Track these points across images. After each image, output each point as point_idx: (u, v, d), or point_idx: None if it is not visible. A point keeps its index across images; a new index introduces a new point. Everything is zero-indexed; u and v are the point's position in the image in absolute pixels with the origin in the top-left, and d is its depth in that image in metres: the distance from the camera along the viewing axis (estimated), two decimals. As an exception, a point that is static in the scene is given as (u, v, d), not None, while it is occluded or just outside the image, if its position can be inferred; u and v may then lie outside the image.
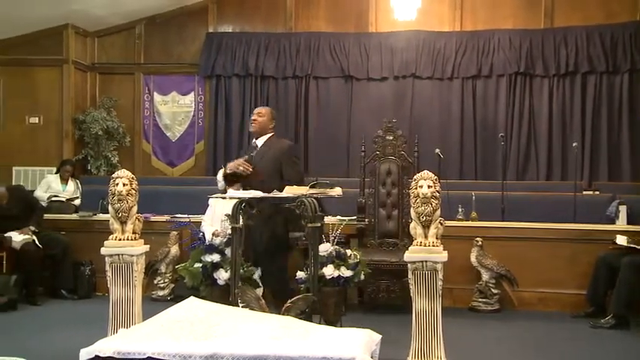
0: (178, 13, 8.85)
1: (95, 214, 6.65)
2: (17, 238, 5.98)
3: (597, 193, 7.31)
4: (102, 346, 3.18)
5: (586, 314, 5.58)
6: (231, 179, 5.04)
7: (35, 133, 8.34)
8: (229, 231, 4.60)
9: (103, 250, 4.14)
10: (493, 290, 5.88)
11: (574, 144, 7.11)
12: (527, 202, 6.74)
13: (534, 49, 8.15)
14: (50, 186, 7.61)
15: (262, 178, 4.83)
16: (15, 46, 8.47)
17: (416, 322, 3.76)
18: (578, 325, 5.38)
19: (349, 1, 8.61)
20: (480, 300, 5.91)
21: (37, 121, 8.27)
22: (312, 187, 4.76)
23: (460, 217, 6.36)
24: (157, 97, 8.92)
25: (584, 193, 7.13)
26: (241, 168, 4.91)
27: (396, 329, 4.37)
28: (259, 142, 5.10)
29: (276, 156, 4.98)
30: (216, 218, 5.83)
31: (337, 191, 4.74)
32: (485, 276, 5.88)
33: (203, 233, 5.76)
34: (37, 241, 6.07)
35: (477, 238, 5.93)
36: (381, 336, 3.57)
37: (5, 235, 6.05)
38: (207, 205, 6.09)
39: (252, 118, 5.13)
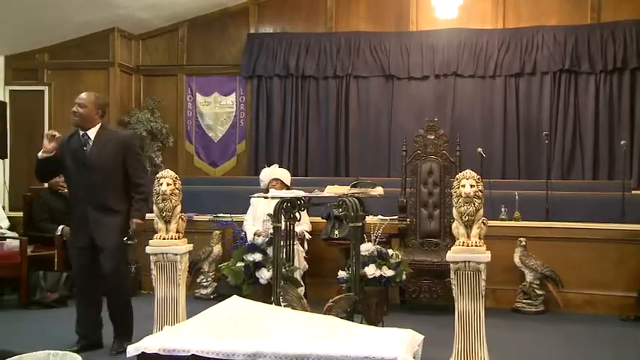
0: (220, 15, 8.92)
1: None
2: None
3: (646, 192, 7.14)
4: (148, 343, 3.24)
5: (635, 317, 5.46)
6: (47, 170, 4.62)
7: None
8: (271, 230, 4.61)
9: (148, 249, 4.22)
10: (537, 291, 5.80)
11: (622, 142, 6.93)
12: (572, 201, 6.60)
13: (580, 45, 7.97)
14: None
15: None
16: (64, 50, 8.66)
17: (458, 323, 3.72)
18: (627, 329, 5.27)
19: (390, 1, 8.57)
20: (524, 301, 5.85)
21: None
22: (353, 186, 4.84)
23: (503, 217, 6.28)
24: (200, 98, 9.02)
25: (633, 192, 6.94)
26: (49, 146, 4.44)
27: (439, 330, 4.33)
28: (90, 134, 4.51)
29: (116, 150, 4.51)
30: (257, 217, 5.88)
31: (379, 191, 4.79)
32: (529, 277, 5.81)
33: (245, 232, 5.81)
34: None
35: (521, 238, 5.86)
36: (423, 336, 3.54)
37: (58, 230, 6.26)
38: (249, 205, 6.13)
39: (72, 110, 4.51)
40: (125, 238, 4.44)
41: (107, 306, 4.59)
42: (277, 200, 4.55)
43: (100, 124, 4.55)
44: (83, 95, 4.55)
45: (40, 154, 4.48)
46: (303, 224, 5.82)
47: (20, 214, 7.01)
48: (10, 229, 6.77)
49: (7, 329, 5.16)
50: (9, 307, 5.97)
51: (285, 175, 6.18)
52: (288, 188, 5.96)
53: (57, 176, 5.23)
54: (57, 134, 4.48)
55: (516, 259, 5.84)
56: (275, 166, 6.37)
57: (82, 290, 4.64)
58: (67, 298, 5.91)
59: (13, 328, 5.20)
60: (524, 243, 5.84)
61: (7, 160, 7.54)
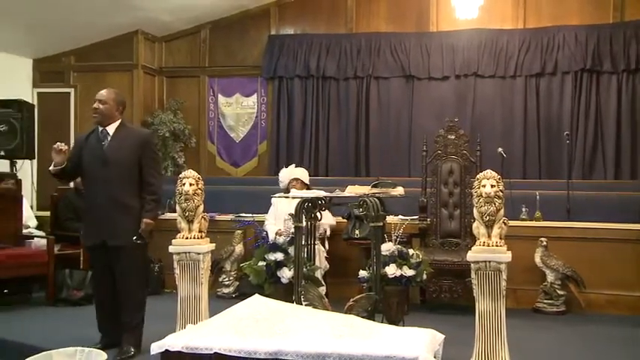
0: (241, 17, 8.96)
1: (163, 213, 6.84)
2: None
3: (670, 192, 7.05)
4: (171, 341, 3.28)
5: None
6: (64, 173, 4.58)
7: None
8: (292, 230, 4.64)
9: (171, 249, 4.25)
10: (559, 291, 5.78)
11: (644, 141, 6.88)
12: (594, 201, 6.56)
13: (602, 44, 7.89)
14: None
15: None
16: (89, 53, 8.78)
17: (479, 323, 3.72)
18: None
19: (410, 1, 8.54)
20: (545, 301, 5.82)
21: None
22: (374, 186, 4.84)
23: (524, 217, 6.27)
24: (221, 99, 9.08)
25: (656, 192, 6.89)
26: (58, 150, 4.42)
27: (459, 330, 4.32)
28: (109, 130, 4.52)
29: (133, 147, 4.49)
30: (278, 217, 5.91)
31: (399, 191, 4.80)
32: (550, 277, 5.78)
33: (266, 232, 5.85)
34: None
35: (542, 239, 5.84)
36: (444, 336, 3.56)
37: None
38: (270, 205, 6.18)
39: (93, 106, 4.52)
40: (134, 238, 4.39)
41: (120, 305, 4.50)
42: (298, 200, 4.60)
43: (119, 121, 4.54)
44: (103, 92, 4.55)
45: (51, 168, 4.48)
46: (330, 220, 5.87)
47: (47, 213, 7.15)
48: (38, 228, 6.91)
49: (35, 326, 5.23)
50: (37, 304, 6.07)
51: (304, 174, 6.25)
52: (308, 187, 6.02)
53: (77, 177, 5.12)
54: (64, 148, 4.45)
55: (537, 260, 5.81)
56: (293, 166, 6.44)
57: (99, 289, 4.65)
58: (92, 296, 5.90)
59: (41, 325, 5.27)
60: (545, 243, 5.81)
61: (35, 161, 7.66)
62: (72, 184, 6.71)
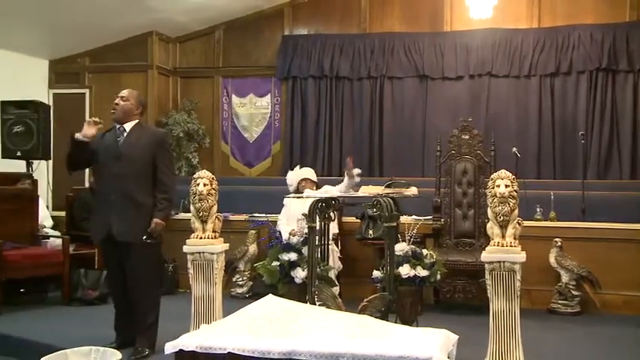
0: (255, 18, 8.97)
1: (177, 213, 6.86)
2: None
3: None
4: (186, 341, 3.30)
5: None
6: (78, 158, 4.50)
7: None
8: (306, 230, 4.65)
9: (185, 249, 4.27)
10: (573, 292, 5.75)
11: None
12: (609, 201, 6.51)
13: (618, 43, 7.80)
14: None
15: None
16: (104, 54, 8.83)
17: (493, 324, 3.71)
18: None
19: (424, 1, 8.50)
20: (560, 302, 5.80)
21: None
22: (388, 186, 4.83)
23: (538, 217, 6.24)
24: (235, 100, 9.08)
25: (673, 192, 6.82)
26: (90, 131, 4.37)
27: (473, 330, 4.33)
28: (126, 127, 4.53)
29: (148, 145, 4.48)
30: (291, 218, 5.92)
31: (413, 191, 4.79)
32: (565, 277, 5.76)
33: (280, 232, 5.88)
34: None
35: (556, 239, 5.82)
36: (457, 336, 3.56)
37: None
38: (283, 205, 6.20)
39: (114, 101, 4.53)
40: (144, 237, 4.34)
41: (133, 304, 4.48)
42: (309, 199, 4.60)
43: (137, 121, 4.55)
44: (126, 90, 4.58)
45: (76, 134, 4.36)
46: (334, 229, 5.85)
47: (63, 213, 7.20)
48: (53, 228, 6.97)
49: (51, 325, 5.27)
50: (53, 303, 6.12)
51: (311, 173, 6.31)
52: (317, 185, 6.05)
53: (86, 168, 5.13)
54: (99, 121, 4.42)
55: (552, 260, 5.79)
56: (298, 168, 6.46)
57: (113, 287, 4.66)
58: (107, 295, 5.98)
59: (57, 325, 5.30)
60: (559, 243, 5.79)
61: (51, 162, 7.73)
62: (87, 184, 6.77)
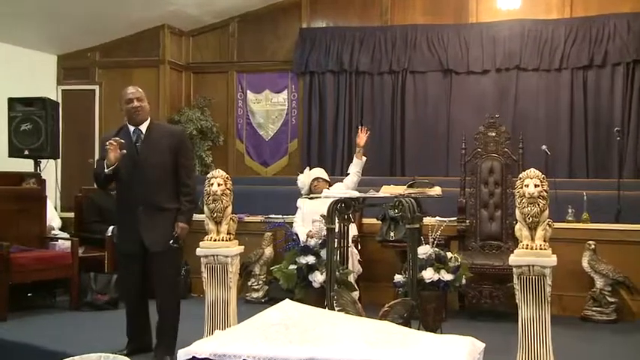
0: (271, 10, 8.86)
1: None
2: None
3: None
4: (198, 348, 3.22)
5: None
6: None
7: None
8: (324, 232, 4.59)
9: (199, 251, 4.28)
10: (609, 298, 5.57)
11: None
12: (646, 202, 6.35)
13: (658, 33, 7.64)
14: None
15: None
16: (115, 49, 8.75)
17: (522, 331, 3.64)
18: None
19: (448, -8, 8.38)
20: (594, 309, 5.63)
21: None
22: (410, 186, 4.76)
23: (570, 218, 6.09)
24: (250, 96, 8.99)
25: None
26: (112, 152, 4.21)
27: (501, 338, 4.26)
28: (142, 128, 4.43)
29: (169, 147, 4.40)
30: (305, 219, 5.89)
31: (436, 191, 4.70)
32: (599, 282, 5.58)
33: (297, 234, 5.86)
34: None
35: (590, 242, 5.64)
36: (484, 344, 3.39)
37: (108, 231, 6.32)
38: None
39: (134, 105, 4.37)
40: (171, 242, 4.33)
41: (157, 311, 4.47)
42: (320, 199, 4.52)
43: (149, 119, 4.49)
44: (134, 91, 4.45)
45: (106, 170, 4.24)
46: (353, 231, 5.80)
47: (72, 214, 7.14)
48: (61, 229, 6.88)
49: (60, 330, 5.24)
50: (62, 308, 6.06)
51: (323, 172, 6.28)
52: (330, 184, 6.05)
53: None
54: (122, 141, 4.27)
55: (585, 264, 5.62)
56: (307, 169, 6.40)
57: (132, 295, 4.61)
58: (117, 300, 5.95)
59: (65, 330, 5.28)
60: (593, 246, 5.61)
61: (59, 161, 7.64)
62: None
